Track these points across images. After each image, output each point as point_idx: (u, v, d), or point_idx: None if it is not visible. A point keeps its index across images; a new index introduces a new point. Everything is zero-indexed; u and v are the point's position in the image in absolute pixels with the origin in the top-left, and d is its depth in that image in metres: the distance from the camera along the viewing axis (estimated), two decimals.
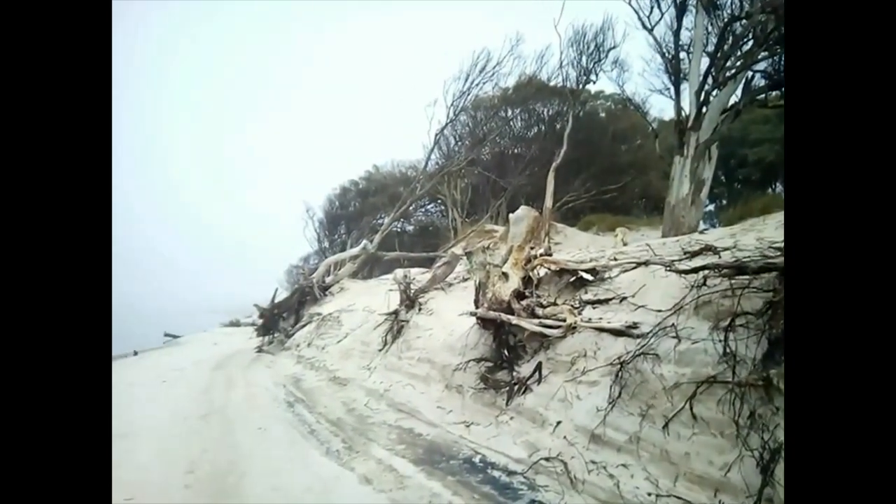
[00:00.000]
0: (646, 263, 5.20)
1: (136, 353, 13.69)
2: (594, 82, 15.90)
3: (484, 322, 5.54)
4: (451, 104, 16.76)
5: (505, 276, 5.65)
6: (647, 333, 4.05)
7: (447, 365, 5.81)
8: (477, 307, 5.77)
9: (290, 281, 28.89)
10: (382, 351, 7.54)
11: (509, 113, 20.72)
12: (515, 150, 21.08)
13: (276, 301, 13.84)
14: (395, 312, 8.00)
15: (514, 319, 5.10)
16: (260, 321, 13.63)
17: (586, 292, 5.42)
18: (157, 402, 7.04)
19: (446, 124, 17.53)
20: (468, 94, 16.84)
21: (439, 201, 23.63)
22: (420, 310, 7.84)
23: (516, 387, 4.75)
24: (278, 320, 13.25)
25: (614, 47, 14.52)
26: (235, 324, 21.78)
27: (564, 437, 3.98)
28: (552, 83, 17.57)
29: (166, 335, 19.66)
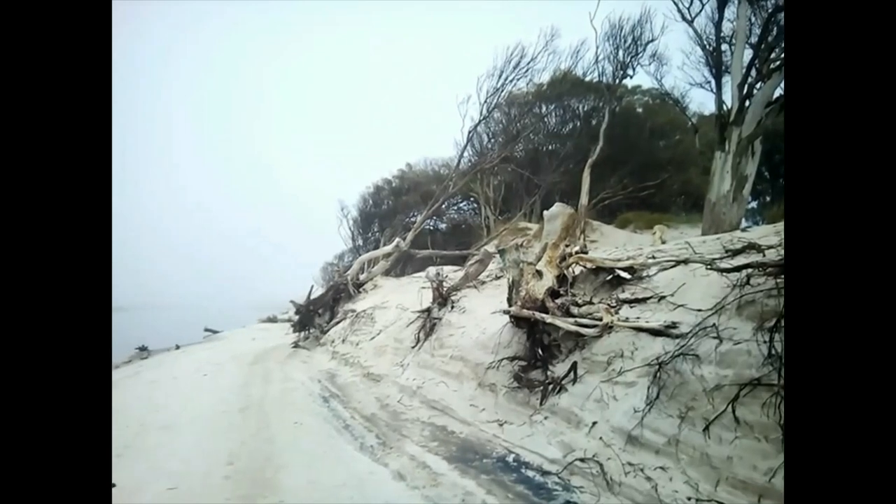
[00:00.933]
0: (685, 262, 5.04)
1: (178, 347, 14.26)
2: (631, 77, 15.63)
3: (517, 320, 5.50)
4: (485, 101, 16.70)
5: (539, 273, 5.59)
6: (687, 333, 3.94)
7: (480, 363, 5.79)
8: (510, 305, 5.73)
9: (325, 278, 29.44)
10: (415, 348, 7.58)
11: (543, 109, 20.48)
12: (550, 147, 20.83)
13: (312, 298, 14.07)
14: (428, 310, 8.02)
15: (548, 318, 5.04)
16: (296, 317, 13.90)
17: (623, 291, 5.31)
18: (197, 394, 7.29)
19: (479, 121, 17.48)
20: (502, 91, 16.75)
21: (472, 199, 23.65)
22: (453, 307, 7.84)
23: (551, 386, 4.69)
24: (314, 317, 13.45)
25: (652, 40, 14.18)
26: (272, 320, 22.36)
27: (600, 438, 3.91)
28: (588, 78, 17.31)
29: (206, 330, 20.34)
